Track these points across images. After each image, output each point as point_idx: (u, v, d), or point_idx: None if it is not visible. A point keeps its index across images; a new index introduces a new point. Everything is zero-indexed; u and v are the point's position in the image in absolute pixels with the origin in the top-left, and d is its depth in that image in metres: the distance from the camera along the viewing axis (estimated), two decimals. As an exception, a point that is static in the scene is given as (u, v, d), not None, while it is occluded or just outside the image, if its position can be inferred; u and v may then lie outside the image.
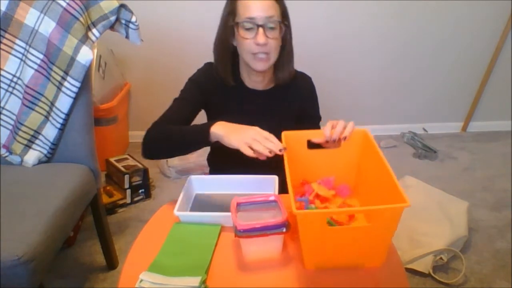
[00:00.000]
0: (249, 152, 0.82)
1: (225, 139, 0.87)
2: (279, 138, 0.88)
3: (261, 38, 0.95)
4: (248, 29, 0.96)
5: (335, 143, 0.92)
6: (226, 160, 0.99)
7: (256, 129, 0.86)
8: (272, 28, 0.97)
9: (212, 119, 1.06)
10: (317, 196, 0.92)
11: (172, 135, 0.97)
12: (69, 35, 1.15)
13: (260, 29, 0.95)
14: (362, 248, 0.74)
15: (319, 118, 1.20)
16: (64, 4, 1.15)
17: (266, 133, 0.85)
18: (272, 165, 0.89)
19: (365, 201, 0.92)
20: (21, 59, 1.20)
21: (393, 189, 0.71)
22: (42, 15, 1.16)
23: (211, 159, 1.29)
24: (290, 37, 1.06)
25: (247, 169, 0.95)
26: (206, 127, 0.90)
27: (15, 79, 1.21)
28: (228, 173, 1.00)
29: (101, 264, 1.56)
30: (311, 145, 0.95)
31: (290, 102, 1.13)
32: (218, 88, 1.10)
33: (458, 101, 2.61)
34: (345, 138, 0.90)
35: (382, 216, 0.69)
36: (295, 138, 0.92)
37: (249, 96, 1.11)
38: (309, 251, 0.74)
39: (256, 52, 0.98)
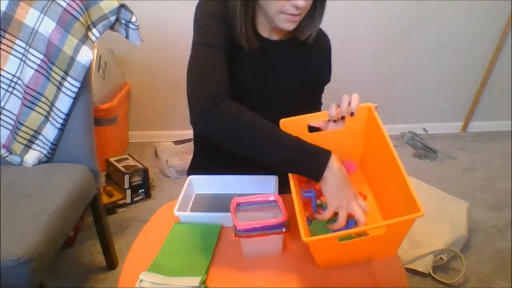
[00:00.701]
0: (327, 215, 0.73)
1: (327, 191, 0.73)
2: (295, 104, 0.79)
3: (301, 2, 0.75)
4: None
5: (338, 123, 0.86)
6: (214, 165, 0.97)
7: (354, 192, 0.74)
8: None
9: None
10: None
11: (265, 141, 0.73)
12: (69, 35, 1.15)
13: None
14: (375, 250, 0.74)
15: (328, 80, 1.06)
16: (64, 4, 1.15)
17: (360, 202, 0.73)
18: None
19: (374, 187, 0.88)
20: (21, 59, 1.20)
21: (402, 187, 0.70)
22: (42, 15, 1.16)
23: (196, 165, 1.11)
24: None
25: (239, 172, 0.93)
26: (322, 162, 0.72)
27: (15, 79, 1.21)
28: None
29: (101, 264, 1.56)
30: (312, 129, 0.87)
31: (310, 59, 0.97)
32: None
33: (458, 101, 2.61)
34: (352, 114, 0.82)
35: (393, 226, 0.67)
36: (294, 124, 0.84)
37: (264, 46, 0.90)
38: (322, 261, 0.74)
39: (289, 13, 0.79)
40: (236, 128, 0.73)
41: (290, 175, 0.76)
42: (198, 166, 1.10)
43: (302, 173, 0.75)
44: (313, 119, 0.86)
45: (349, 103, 0.83)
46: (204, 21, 0.85)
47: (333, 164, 0.72)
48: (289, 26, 0.82)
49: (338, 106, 0.84)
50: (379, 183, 0.86)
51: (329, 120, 0.87)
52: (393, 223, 0.64)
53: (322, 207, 0.82)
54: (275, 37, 0.92)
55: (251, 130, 0.73)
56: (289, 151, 0.72)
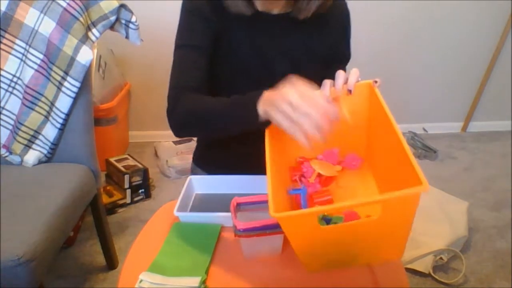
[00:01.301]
0: (284, 125, 0.59)
1: (271, 118, 0.62)
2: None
3: None
4: None
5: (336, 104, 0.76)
6: (218, 157, 0.94)
7: (289, 90, 0.59)
8: None
9: (213, 64, 0.82)
10: (319, 177, 0.77)
11: (207, 116, 0.74)
12: (69, 35, 1.15)
13: None
14: (373, 244, 0.61)
15: (348, 58, 0.95)
16: (64, 4, 1.15)
17: (303, 92, 0.58)
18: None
19: (380, 176, 0.76)
20: (21, 59, 1.20)
21: (403, 161, 0.58)
22: (42, 15, 1.16)
23: (200, 157, 1.10)
24: None
25: (243, 167, 0.88)
26: (251, 104, 0.65)
27: (15, 79, 1.21)
28: (224, 173, 0.93)
29: (101, 264, 1.56)
30: None
31: (319, 35, 0.85)
32: (219, 14, 0.80)
33: (458, 101, 2.61)
34: (350, 91, 0.71)
35: (392, 205, 0.54)
36: None
37: (261, 22, 0.81)
38: (305, 256, 0.63)
39: None
40: (189, 122, 0.77)
41: (266, 136, 0.69)
42: (202, 159, 1.09)
43: (245, 124, 0.70)
44: None
45: (347, 80, 0.72)
46: (180, 21, 0.83)
47: (263, 96, 0.65)
48: (271, 4, 0.77)
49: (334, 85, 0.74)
50: (387, 177, 0.74)
51: None
52: (392, 199, 0.52)
53: (326, 219, 0.68)
54: (275, 10, 0.82)
55: (198, 118, 0.75)
56: (225, 114, 0.71)
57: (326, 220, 0.67)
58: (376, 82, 0.73)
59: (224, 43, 0.83)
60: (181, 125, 0.79)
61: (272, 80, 0.74)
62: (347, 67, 0.91)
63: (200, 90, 0.79)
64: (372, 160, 0.81)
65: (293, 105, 0.57)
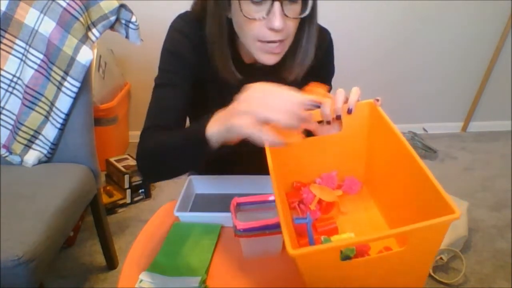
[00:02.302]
0: (258, 138, 0.52)
1: (230, 129, 0.55)
2: None
3: (277, 21, 0.64)
4: (256, 3, 0.65)
5: (335, 125, 0.71)
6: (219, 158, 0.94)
7: (264, 88, 0.55)
8: (293, 2, 0.66)
9: (194, 107, 0.82)
10: (320, 203, 0.73)
11: (163, 151, 0.70)
12: (69, 35, 1.15)
13: (277, 5, 0.64)
14: (395, 276, 0.56)
15: (329, 88, 0.92)
16: (64, 4, 1.15)
17: (289, 96, 0.53)
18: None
19: (382, 201, 0.72)
20: (21, 59, 1.20)
21: (428, 187, 0.52)
22: (42, 15, 1.16)
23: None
24: (315, 13, 0.73)
25: (242, 166, 0.88)
26: (199, 130, 0.61)
27: (15, 79, 1.21)
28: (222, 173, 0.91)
29: (101, 264, 1.56)
30: (304, 133, 0.72)
31: (305, 75, 0.83)
32: (202, 60, 0.79)
33: (458, 101, 2.61)
34: (350, 111, 0.67)
35: (419, 236, 0.50)
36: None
37: (247, 72, 0.80)
38: None
39: (267, 40, 0.68)
40: (149, 162, 0.73)
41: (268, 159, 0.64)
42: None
43: (197, 152, 0.64)
44: None
45: (347, 100, 0.69)
46: (161, 60, 0.81)
47: (213, 118, 0.60)
48: (269, 59, 0.72)
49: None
50: (392, 199, 0.69)
51: (321, 122, 0.71)
52: (422, 228, 0.47)
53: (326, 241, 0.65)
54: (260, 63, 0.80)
55: (154, 157, 0.71)
56: (178, 148, 0.67)
57: (343, 256, 0.61)
58: (377, 100, 0.70)
59: (201, 79, 0.82)
60: (144, 169, 0.75)
61: None
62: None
63: (161, 125, 0.76)
64: (372, 184, 0.77)
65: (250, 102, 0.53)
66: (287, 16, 0.66)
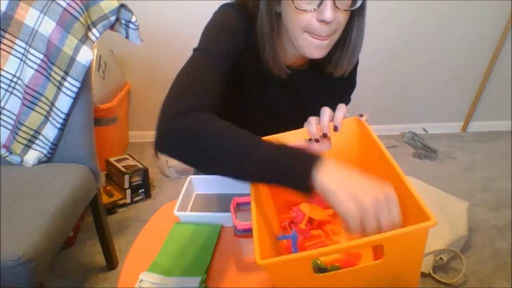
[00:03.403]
0: (355, 227, 0.49)
1: (332, 197, 0.50)
2: None
3: (328, 12, 0.64)
4: None
5: (323, 142, 0.70)
6: None
7: (384, 187, 0.50)
8: None
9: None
10: (310, 221, 0.72)
11: (226, 147, 0.57)
12: (69, 35, 1.15)
13: None
14: None
15: (349, 100, 0.95)
16: (64, 4, 1.15)
17: (392, 196, 0.50)
18: None
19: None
20: (21, 59, 1.20)
21: (406, 195, 0.51)
22: (42, 15, 1.16)
23: None
24: (365, 5, 0.73)
25: None
26: (305, 164, 0.52)
27: (15, 79, 1.21)
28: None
29: (101, 264, 1.56)
30: None
31: (334, 83, 0.85)
32: (248, 50, 0.76)
33: (458, 101, 2.61)
34: (336, 128, 0.67)
35: (395, 245, 0.48)
36: None
37: (283, 75, 0.79)
38: None
39: (316, 32, 0.67)
40: (198, 148, 0.59)
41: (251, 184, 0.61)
42: None
43: (283, 182, 0.55)
44: (291, 137, 0.70)
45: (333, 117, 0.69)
46: (213, 29, 0.74)
47: (326, 162, 0.52)
48: (316, 52, 0.70)
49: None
50: None
51: (311, 139, 0.71)
52: (395, 236, 0.45)
53: (321, 269, 0.61)
54: (296, 66, 0.82)
55: (215, 146, 0.58)
56: (262, 159, 0.55)
57: (322, 270, 0.59)
58: (361, 116, 0.71)
59: (242, 74, 0.78)
60: (177, 140, 0.61)
61: (276, 121, 0.74)
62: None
63: (208, 107, 0.64)
64: None
65: (377, 205, 0.48)
66: (338, 8, 0.65)
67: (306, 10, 0.66)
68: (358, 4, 0.68)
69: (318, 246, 0.68)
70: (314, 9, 0.65)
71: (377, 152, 0.63)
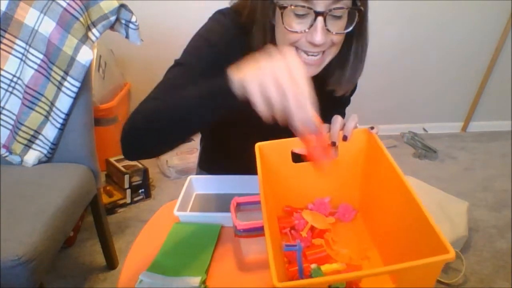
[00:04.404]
0: (259, 105, 0.49)
1: (244, 87, 0.51)
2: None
3: (318, 36, 0.62)
4: (299, 16, 0.63)
5: (330, 151, 0.69)
6: (222, 160, 0.93)
7: (287, 60, 0.49)
8: (337, 18, 0.64)
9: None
10: (311, 229, 0.71)
11: (165, 109, 0.62)
12: (69, 35, 1.15)
13: (320, 20, 0.61)
14: None
15: (349, 102, 0.94)
16: (64, 4, 1.15)
17: (299, 74, 0.49)
18: None
19: (375, 231, 0.70)
20: (21, 59, 1.20)
21: (421, 221, 0.51)
22: (42, 15, 1.16)
23: (204, 160, 1.08)
24: (366, 29, 0.73)
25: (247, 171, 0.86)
26: (222, 78, 0.54)
27: (15, 79, 1.21)
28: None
29: (101, 264, 1.56)
30: (297, 157, 0.70)
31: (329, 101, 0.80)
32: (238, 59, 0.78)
33: (458, 101, 2.61)
34: (345, 138, 0.67)
35: (411, 274, 0.49)
36: (274, 150, 0.69)
37: None
38: None
39: (307, 51, 0.66)
40: (142, 125, 0.63)
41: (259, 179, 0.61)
42: (206, 162, 1.08)
43: (218, 103, 0.57)
44: (297, 144, 0.68)
45: (344, 126, 0.67)
46: (192, 42, 0.76)
47: (238, 66, 0.53)
48: (309, 72, 0.68)
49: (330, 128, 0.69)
50: (385, 231, 0.67)
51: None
52: (413, 267, 0.45)
53: (316, 272, 0.62)
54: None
55: (157, 121, 0.61)
56: (195, 102, 0.58)
57: None
58: (372, 128, 0.69)
59: None
60: (130, 137, 0.65)
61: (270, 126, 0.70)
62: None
63: None
64: (367, 213, 0.75)
65: (278, 85, 0.48)
66: (329, 31, 0.63)
67: (296, 31, 0.64)
68: (351, 28, 0.66)
69: (320, 255, 0.68)
70: (305, 31, 0.63)
71: (387, 167, 0.62)
